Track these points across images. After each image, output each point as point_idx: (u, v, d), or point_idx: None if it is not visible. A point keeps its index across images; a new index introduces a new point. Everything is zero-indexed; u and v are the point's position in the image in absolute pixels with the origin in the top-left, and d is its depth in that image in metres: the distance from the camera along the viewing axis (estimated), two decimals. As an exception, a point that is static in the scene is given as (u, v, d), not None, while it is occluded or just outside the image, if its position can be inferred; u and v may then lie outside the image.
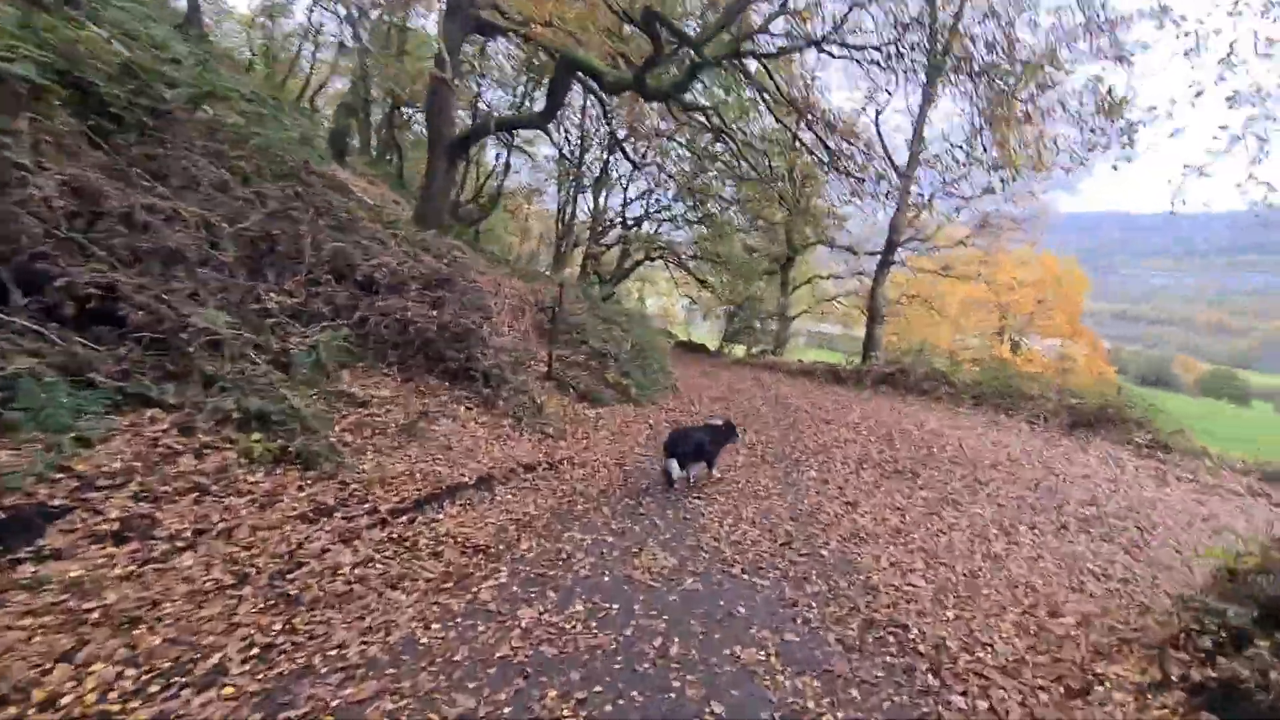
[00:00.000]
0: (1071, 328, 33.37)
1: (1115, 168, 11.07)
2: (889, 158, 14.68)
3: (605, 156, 19.89)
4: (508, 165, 20.15)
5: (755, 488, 6.54)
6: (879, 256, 17.61)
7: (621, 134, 17.27)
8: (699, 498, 6.08)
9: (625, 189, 22.80)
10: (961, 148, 13.28)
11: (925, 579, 4.53)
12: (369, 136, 20.63)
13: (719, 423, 6.80)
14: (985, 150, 12.85)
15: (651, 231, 24.02)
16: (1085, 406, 10.57)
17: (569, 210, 21.39)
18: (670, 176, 19.15)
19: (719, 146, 15.63)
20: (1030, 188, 16.52)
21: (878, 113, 15.68)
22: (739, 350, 27.05)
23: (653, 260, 26.54)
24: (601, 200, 21.69)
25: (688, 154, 17.51)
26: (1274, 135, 7.16)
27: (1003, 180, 13.70)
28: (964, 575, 4.64)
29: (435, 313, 7.10)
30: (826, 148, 13.64)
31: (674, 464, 5.86)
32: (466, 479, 5.43)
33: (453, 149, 11.58)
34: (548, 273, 18.31)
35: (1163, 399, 11.98)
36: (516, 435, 6.95)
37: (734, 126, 13.96)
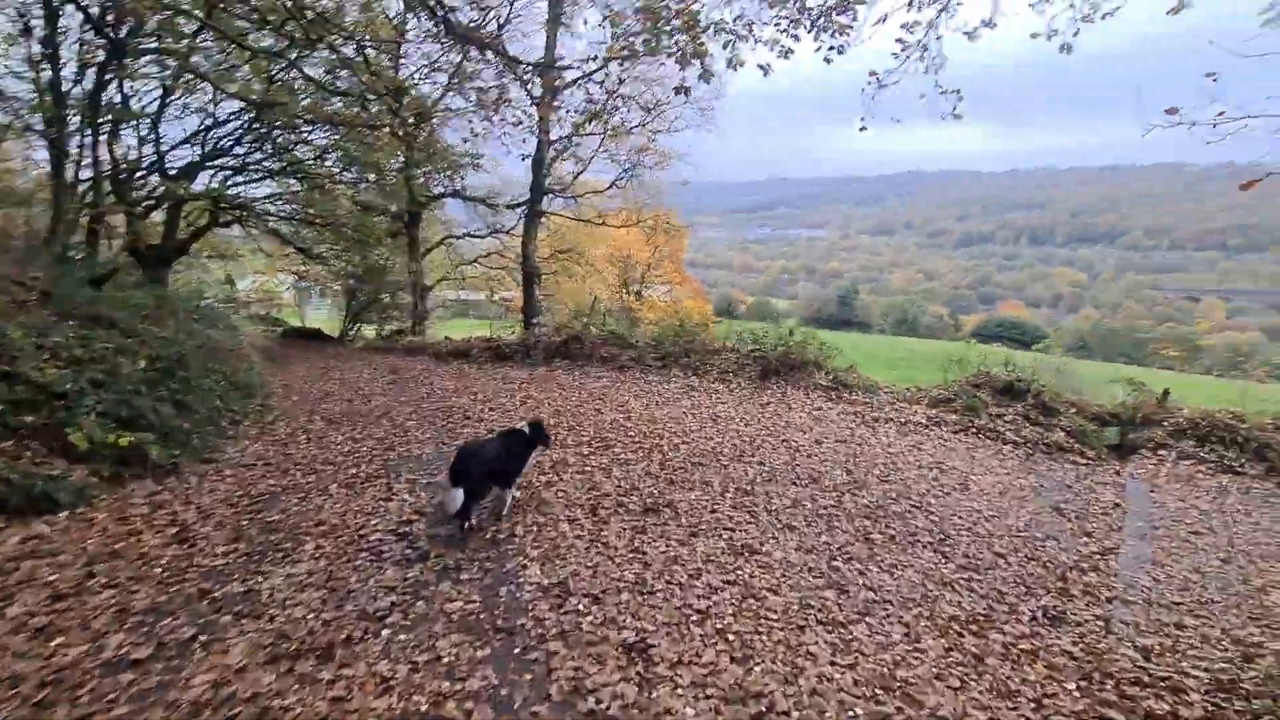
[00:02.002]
0: (679, 275, 36.75)
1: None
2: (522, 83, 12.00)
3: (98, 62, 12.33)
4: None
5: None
6: (524, 208, 15.17)
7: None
8: None
9: (157, 122, 15.19)
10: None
11: None
12: None
13: (522, 427, 5.07)
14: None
15: (218, 186, 16.80)
16: (769, 354, 9.97)
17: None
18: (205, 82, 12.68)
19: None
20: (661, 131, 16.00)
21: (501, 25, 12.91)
22: (369, 332, 21.83)
23: (226, 225, 19.08)
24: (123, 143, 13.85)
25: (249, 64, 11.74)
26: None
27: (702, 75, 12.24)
28: None
29: None
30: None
31: (458, 495, 4.11)
32: None
33: None
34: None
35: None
36: None
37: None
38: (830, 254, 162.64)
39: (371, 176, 18.00)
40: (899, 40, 6.02)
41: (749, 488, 5.56)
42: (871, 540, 4.77)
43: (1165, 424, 8.07)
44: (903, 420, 8.27)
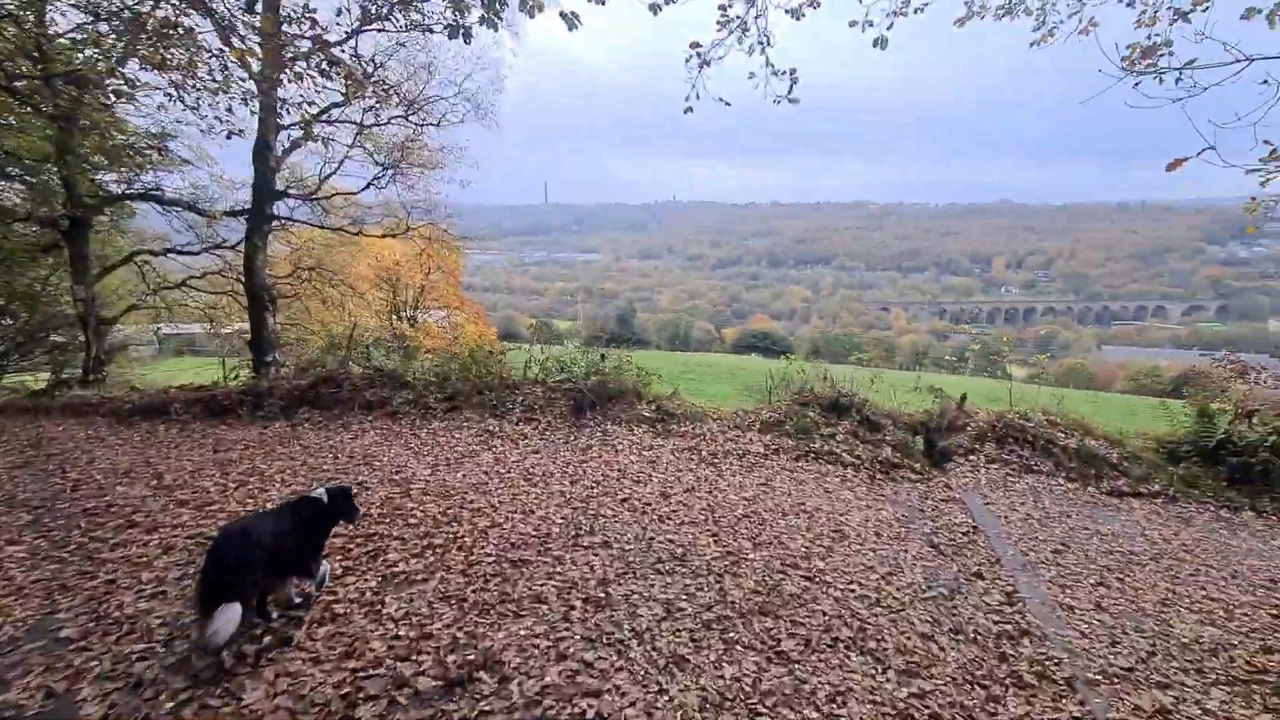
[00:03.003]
0: (458, 299, 33.83)
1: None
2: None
3: None
4: None
5: None
6: (249, 216, 11.58)
7: None
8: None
9: None
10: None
11: None
12: None
13: (318, 493, 3.58)
14: None
15: None
16: (582, 384, 8.35)
17: None
18: None
19: None
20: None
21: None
22: (29, 382, 15.36)
23: None
24: None
25: None
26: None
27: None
28: None
29: None
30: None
31: (226, 619, 2.75)
32: None
33: None
34: None
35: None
36: None
37: None
38: (605, 276, 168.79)
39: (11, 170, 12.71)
40: (721, 7, 4.96)
41: (601, 595, 3.81)
42: (787, 655, 3.35)
43: (968, 429, 8.24)
44: (741, 453, 7.25)
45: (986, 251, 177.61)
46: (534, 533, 4.67)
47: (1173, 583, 4.90)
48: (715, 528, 5.02)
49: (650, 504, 5.43)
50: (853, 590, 4.14)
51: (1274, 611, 4.42)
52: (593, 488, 5.78)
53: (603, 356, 8.86)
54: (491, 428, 7.69)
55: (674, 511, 5.31)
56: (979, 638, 3.75)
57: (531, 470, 6.19)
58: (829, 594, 4.07)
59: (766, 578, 4.19)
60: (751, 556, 4.52)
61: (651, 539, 4.68)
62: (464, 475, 6.00)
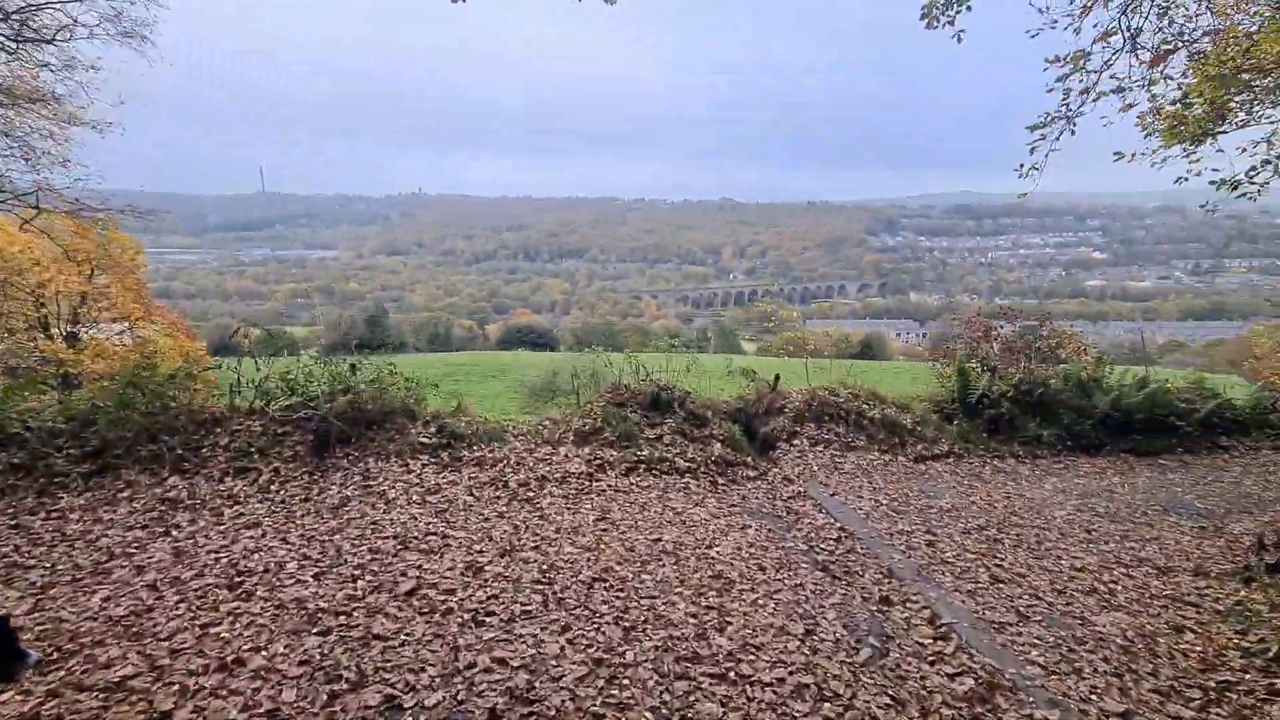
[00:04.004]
0: (142, 307, 26.13)
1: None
2: None
3: None
4: None
5: None
6: None
7: None
8: None
9: None
10: None
11: None
12: None
13: None
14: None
15: None
16: (323, 410, 5.84)
17: None
18: None
19: None
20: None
21: None
22: None
23: None
24: None
25: None
26: None
27: None
28: None
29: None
30: None
31: None
32: None
33: None
34: None
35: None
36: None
37: None
38: (347, 274, 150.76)
39: None
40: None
41: None
42: None
43: (786, 411, 7.73)
44: (560, 476, 5.61)
45: (716, 243, 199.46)
46: (244, 713, 2.50)
47: (1039, 557, 4.62)
48: (561, 613, 3.34)
49: (453, 591, 3.52)
50: (784, 681, 2.85)
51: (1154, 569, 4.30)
52: (353, 579, 3.64)
53: (353, 368, 6.43)
54: (174, 494, 4.87)
55: (493, 597, 3.48)
56: (951, 710, 2.74)
57: (244, 564, 3.78)
58: (759, 701, 2.71)
59: (666, 700, 2.68)
60: (629, 658, 2.95)
61: (469, 674, 2.82)
62: (107, 599, 3.38)
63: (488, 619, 3.23)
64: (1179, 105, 7.56)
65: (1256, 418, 10.57)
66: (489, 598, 3.45)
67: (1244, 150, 7.99)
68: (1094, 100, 6.46)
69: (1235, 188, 7.91)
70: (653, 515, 4.90)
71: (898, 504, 5.64)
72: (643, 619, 3.30)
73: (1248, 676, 2.99)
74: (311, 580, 3.59)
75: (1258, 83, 6.85)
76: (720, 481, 5.96)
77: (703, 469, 6.12)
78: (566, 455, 6.04)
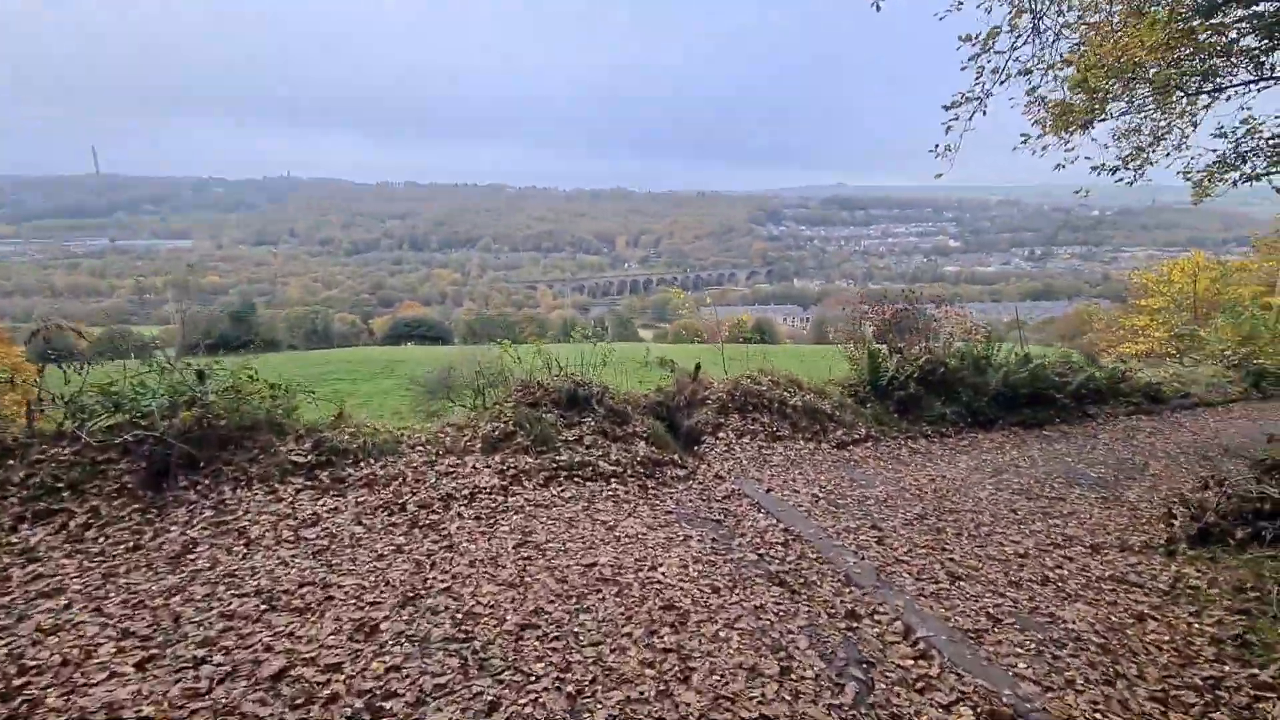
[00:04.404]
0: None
1: None
2: None
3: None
4: None
5: None
6: None
7: None
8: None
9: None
10: None
11: None
12: None
13: None
14: None
15: None
16: (160, 429, 4.64)
17: None
18: None
19: None
20: None
21: None
22: None
23: None
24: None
25: None
26: None
27: None
28: None
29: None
30: None
31: None
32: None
33: None
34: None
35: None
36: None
37: None
38: (206, 266, 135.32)
39: None
40: None
41: None
42: None
43: (709, 402, 7.32)
44: (470, 493, 4.81)
45: (610, 232, 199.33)
46: None
47: (982, 544, 4.47)
48: (485, 681, 2.61)
49: (338, 667, 2.69)
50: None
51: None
52: (196, 663, 2.71)
53: (201, 375, 5.21)
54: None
55: (394, 669, 2.67)
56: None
57: (30, 656, 2.73)
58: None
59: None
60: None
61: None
62: None
63: (387, 705, 2.46)
64: (1066, 96, 7.93)
65: (1112, 387, 11.62)
66: (388, 671, 2.67)
67: (1119, 138, 8.57)
68: (1003, 82, 6.57)
69: (1115, 172, 8.47)
70: (583, 533, 4.25)
71: (834, 496, 5.38)
72: (590, 677, 2.67)
73: (1227, 668, 2.88)
74: (133, 671, 2.62)
75: (1134, 74, 7.27)
76: (649, 485, 5.41)
77: (629, 471, 5.54)
78: (475, 466, 5.24)
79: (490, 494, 4.82)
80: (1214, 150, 8.44)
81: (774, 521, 4.71)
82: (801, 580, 3.73)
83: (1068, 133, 8.28)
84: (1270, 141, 8.24)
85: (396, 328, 69.06)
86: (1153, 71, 7.19)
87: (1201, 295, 19.35)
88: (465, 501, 4.67)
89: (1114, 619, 3.38)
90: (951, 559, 4.14)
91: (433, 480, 4.92)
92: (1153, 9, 6.90)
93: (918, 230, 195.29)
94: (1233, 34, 6.84)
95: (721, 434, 6.84)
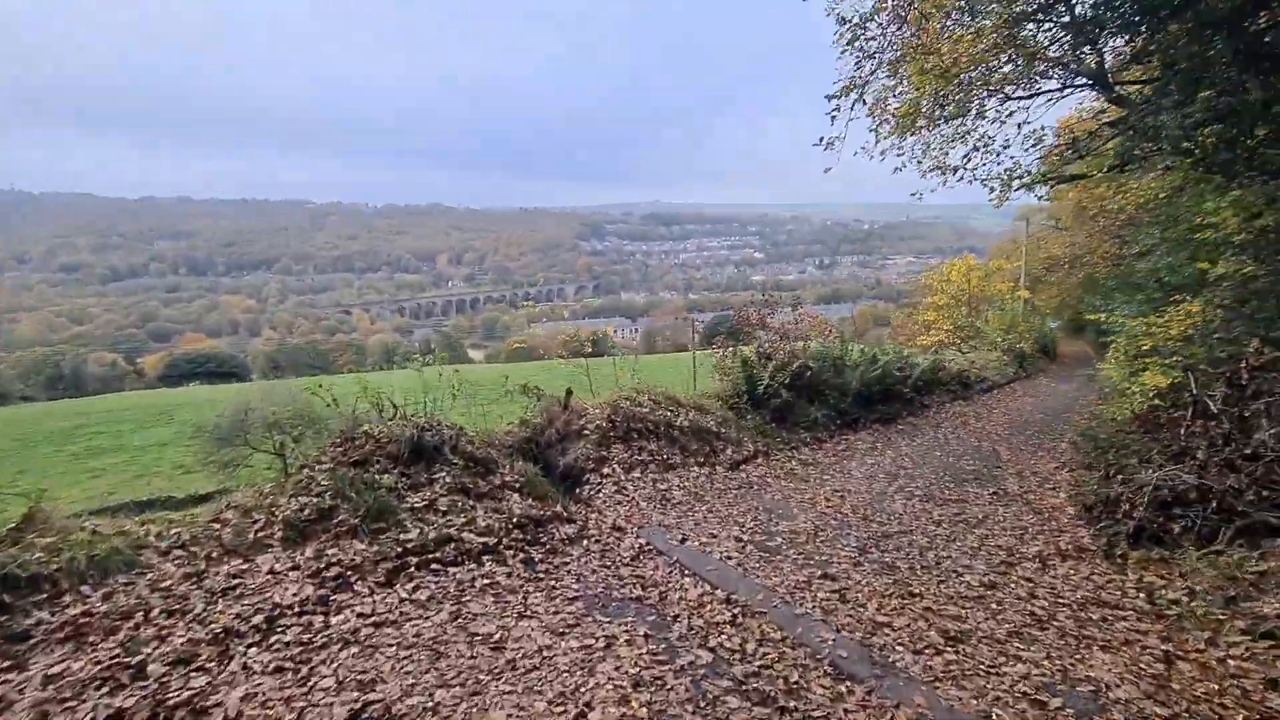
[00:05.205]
0: None
1: None
2: None
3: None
4: None
5: None
6: None
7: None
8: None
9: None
10: None
11: None
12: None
13: None
14: None
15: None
16: None
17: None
18: None
19: None
20: None
21: None
22: None
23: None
24: None
25: None
26: None
27: None
28: None
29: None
30: None
31: None
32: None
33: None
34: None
35: None
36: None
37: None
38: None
39: None
40: None
41: None
42: None
43: (586, 432, 6.08)
44: (264, 620, 3.07)
45: (430, 250, 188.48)
46: None
47: (940, 578, 3.81)
48: None
49: None
50: None
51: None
52: None
53: None
54: None
55: None
56: None
57: None
58: None
59: None
60: None
61: None
62: None
63: None
64: (906, 100, 8.07)
65: (934, 378, 12.51)
66: None
67: (951, 142, 8.97)
68: (875, 71, 6.35)
69: (955, 171, 8.83)
70: (457, 666, 2.80)
71: (759, 537, 4.47)
72: None
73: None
74: None
75: (967, 77, 7.54)
76: (536, 556, 4.06)
77: (505, 541, 4.13)
78: (274, 571, 3.48)
79: (300, 615, 3.14)
80: (1013, 158, 9.16)
81: (708, 588, 3.65)
82: (784, 687, 2.68)
83: (903, 137, 8.49)
84: (1053, 149, 9.13)
85: (176, 366, 57.79)
86: (975, 72, 7.51)
87: (973, 291, 22.37)
88: (257, 638, 2.95)
89: (1143, 666, 2.81)
90: (928, 609, 3.39)
91: (199, 609, 3.11)
92: (979, 20, 7.15)
93: (728, 244, 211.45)
94: (1046, 39, 7.34)
95: (607, 469, 5.67)
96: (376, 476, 4.38)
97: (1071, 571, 3.90)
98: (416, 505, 4.28)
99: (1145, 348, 10.00)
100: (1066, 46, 7.53)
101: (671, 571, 3.89)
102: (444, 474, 4.64)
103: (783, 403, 8.37)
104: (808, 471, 6.62)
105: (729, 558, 4.07)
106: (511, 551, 4.05)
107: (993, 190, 9.42)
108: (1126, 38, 6.72)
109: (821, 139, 6.06)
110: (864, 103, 6.30)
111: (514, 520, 4.40)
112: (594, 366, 7.71)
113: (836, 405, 9.01)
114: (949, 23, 6.93)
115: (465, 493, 4.58)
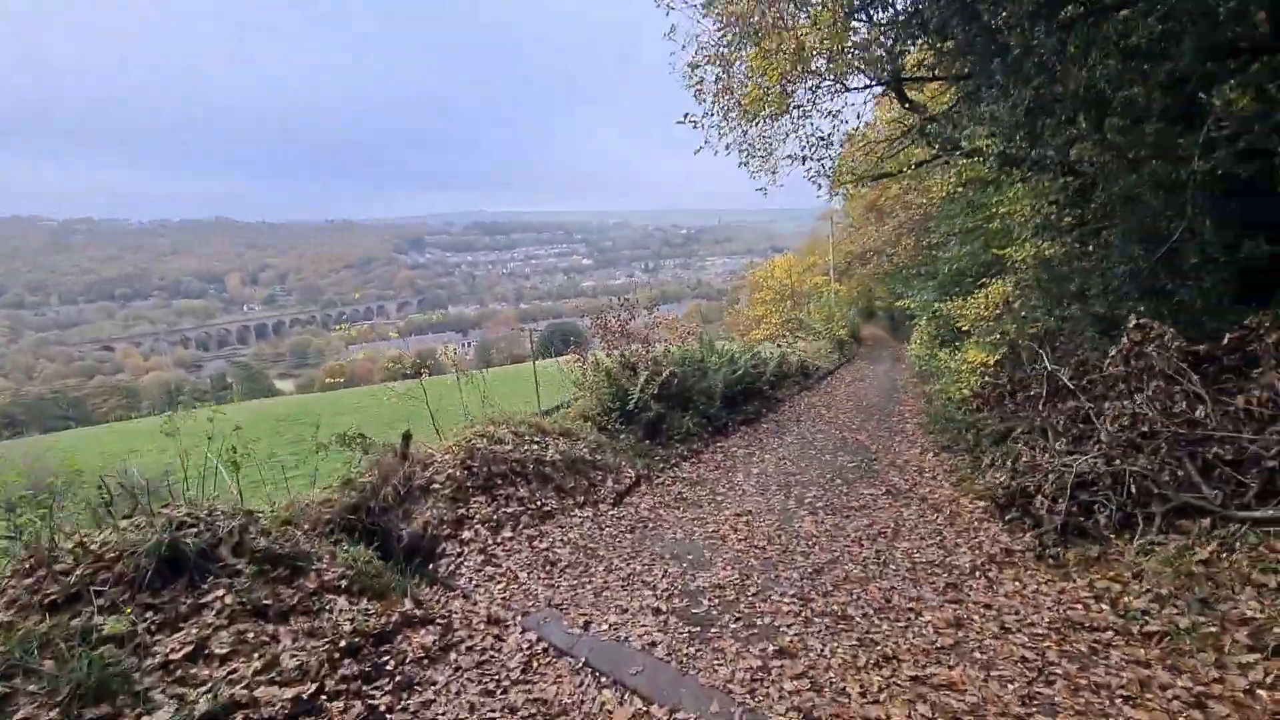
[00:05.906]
0: None
1: None
2: None
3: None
4: None
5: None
6: None
7: None
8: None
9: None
10: None
11: None
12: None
13: None
14: None
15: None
16: None
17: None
18: None
19: None
20: None
21: None
22: None
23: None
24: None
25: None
26: None
27: None
28: None
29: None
30: None
31: None
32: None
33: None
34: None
35: None
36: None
37: None
38: None
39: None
40: None
41: None
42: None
43: (434, 487, 4.68)
44: None
45: (218, 270, 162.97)
46: None
47: (902, 625, 3.17)
48: None
49: None
50: None
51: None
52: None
53: None
54: None
55: None
56: None
57: None
58: None
59: None
60: None
61: None
62: None
63: None
64: (758, 85, 7.72)
65: (780, 372, 12.71)
66: None
67: (794, 132, 8.85)
68: (736, 42, 5.81)
69: (804, 160, 8.69)
70: None
71: (680, 604, 3.54)
72: None
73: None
74: None
75: (819, 67, 7.36)
76: (382, 705, 2.72)
77: (331, 685, 2.74)
78: None
79: None
80: (832, 158, 9.36)
81: (639, 705, 2.62)
82: None
83: (748, 124, 8.20)
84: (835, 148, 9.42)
85: None
86: (818, 64, 7.40)
87: (795, 286, 23.88)
88: None
89: (1177, 711, 2.33)
90: (915, 678, 2.70)
91: None
92: (815, 8, 6.97)
93: (555, 252, 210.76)
94: (871, 36, 7.41)
95: (468, 533, 4.37)
96: (95, 621, 2.71)
97: (1018, 585, 3.52)
98: (172, 658, 2.69)
99: (962, 328, 10.91)
100: (880, 49, 7.72)
101: (583, 682, 2.81)
102: (222, 592, 3.06)
103: (654, 415, 7.61)
104: (698, 494, 5.86)
105: (652, 644, 3.08)
106: (342, 703, 2.67)
107: (820, 187, 9.62)
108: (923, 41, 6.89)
109: (686, 115, 5.43)
110: (727, 74, 5.79)
111: (341, 644, 2.99)
112: (434, 389, 6.27)
113: (705, 411, 8.48)
114: (791, 6, 6.67)
115: (260, 614, 3.05)
